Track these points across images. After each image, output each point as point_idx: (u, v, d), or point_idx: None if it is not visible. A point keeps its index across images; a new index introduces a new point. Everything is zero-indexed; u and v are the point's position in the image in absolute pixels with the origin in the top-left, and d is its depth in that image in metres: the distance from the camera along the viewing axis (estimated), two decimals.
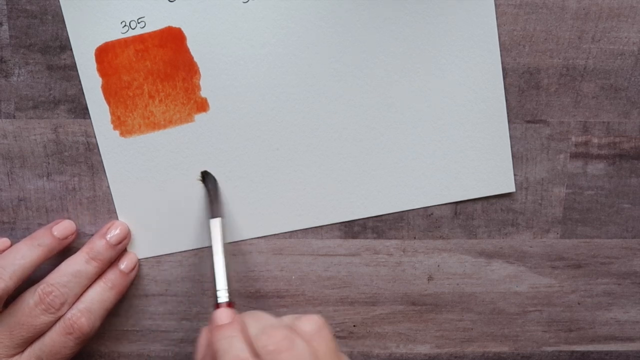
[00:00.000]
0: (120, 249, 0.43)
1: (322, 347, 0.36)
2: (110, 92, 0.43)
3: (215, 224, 0.41)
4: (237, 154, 0.44)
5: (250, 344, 0.36)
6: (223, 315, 0.38)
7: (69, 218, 0.44)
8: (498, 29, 0.42)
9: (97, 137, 0.43)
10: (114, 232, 0.43)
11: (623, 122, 0.44)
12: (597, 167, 0.45)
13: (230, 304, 0.40)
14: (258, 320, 0.37)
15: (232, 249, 0.45)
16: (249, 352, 0.35)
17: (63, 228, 0.43)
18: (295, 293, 0.46)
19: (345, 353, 0.47)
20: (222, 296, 0.40)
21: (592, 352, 0.48)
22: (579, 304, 0.47)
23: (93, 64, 0.42)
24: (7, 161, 0.43)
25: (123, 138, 0.43)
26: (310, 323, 0.37)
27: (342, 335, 0.47)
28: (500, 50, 0.43)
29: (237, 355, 0.35)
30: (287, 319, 0.38)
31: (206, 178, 0.44)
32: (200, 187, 0.44)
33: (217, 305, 0.40)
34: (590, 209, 0.45)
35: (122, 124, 0.43)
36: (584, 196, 0.45)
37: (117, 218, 0.44)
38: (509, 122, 0.44)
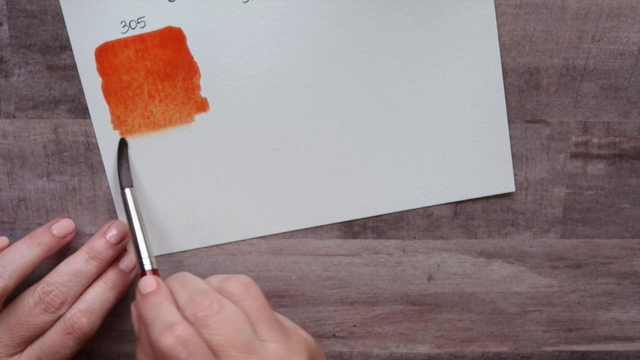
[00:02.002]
0: (120, 248, 0.43)
1: (252, 306, 0.36)
2: (110, 92, 0.43)
3: (128, 193, 0.42)
4: (237, 154, 0.44)
5: (179, 309, 0.35)
6: (148, 283, 0.38)
7: (69, 218, 0.44)
8: (498, 29, 0.42)
9: (97, 137, 0.43)
10: (113, 232, 0.43)
11: (623, 122, 0.44)
12: (597, 167, 0.45)
13: (154, 272, 0.40)
14: (185, 286, 0.37)
15: (232, 249, 0.45)
16: (179, 317, 0.35)
17: (62, 227, 0.43)
18: (295, 293, 0.46)
19: (345, 353, 0.47)
20: (147, 264, 0.40)
21: (592, 352, 0.48)
22: (579, 304, 0.47)
23: (93, 64, 0.42)
24: (7, 161, 0.43)
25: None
26: (237, 284, 0.37)
27: (342, 335, 0.47)
28: (500, 50, 0.43)
29: (167, 321, 0.34)
30: (214, 280, 0.38)
31: (119, 146, 0.43)
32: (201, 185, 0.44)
33: (143, 274, 0.40)
34: (590, 209, 0.45)
35: (122, 124, 0.43)
36: (584, 196, 0.45)
37: (117, 218, 0.44)
38: (509, 122, 0.44)
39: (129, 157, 0.43)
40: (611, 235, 0.46)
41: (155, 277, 0.39)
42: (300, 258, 0.45)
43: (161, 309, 0.36)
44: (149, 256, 0.41)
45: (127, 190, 0.42)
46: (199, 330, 0.34)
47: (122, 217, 0.44)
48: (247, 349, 0.34)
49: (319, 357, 0.39)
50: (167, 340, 0.34)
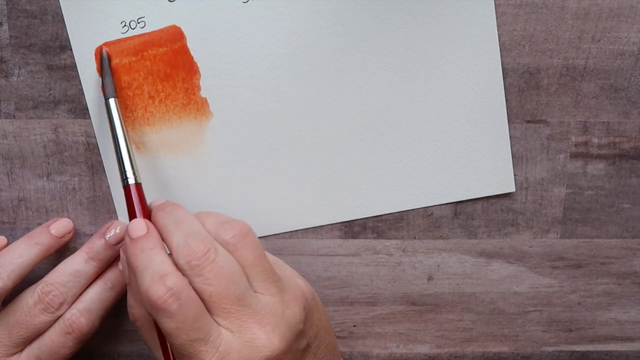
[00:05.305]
0: (120, 248, 0.43)
1: (248, 257, 0.35)
2: None
3: (113, 103, 0.40)
4: (237, 154, 0.44)
5: (171, 250, 0.34)
6: (138, 226, 0.36)
7: (69, 218, 0.44)
8: (498, 29, 0.42)
9: (97, 137, 0.43)
10: (113, 232, 0.43)
11: (623, 122, 0.44)
12: (597, 167, 0.45)
13: (137, 186, 0.38)
14: (179, 226, 0.35)
15: None
16: (171, 266, 0.33)
17: (61, 226, 0.43)
18: None
19: (345, 353, 0.47)
20: (130, 177, 0.38)
21: (592, 352, 0.48)
22: (579, 304, 0.47)
23: (93, 64, 0.42)
24: (7, 161, 0.43)
25: None
26: (235, 232, 0.35)
27: (342, 335, 0.47)
28: (500, 50, 0.43)
29: (158, 270, 0.33)
30: (210, 223, 0.36)
31: (101, 59, 0.42)
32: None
33: (126, 189, 0.38)
34: (590, 209, 0.45)
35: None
36: (584, 196, 0.45)
37: (117, 218, 0.44)
38: (509, 122, 0.44)
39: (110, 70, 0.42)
40: (611, 235, 0.46)
41: (146, 220, 0.37)
42: (300, 258, 0.45)
43: (152, 256, 0.34)
44: (133, 169, 0.38)
45: (112, 100, 0.40)
46: (192, 279, 0.33)
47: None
48: (240, 301, 0.34)
49: (315, 307, 0.38)
50: (158, 292, 0.32)
